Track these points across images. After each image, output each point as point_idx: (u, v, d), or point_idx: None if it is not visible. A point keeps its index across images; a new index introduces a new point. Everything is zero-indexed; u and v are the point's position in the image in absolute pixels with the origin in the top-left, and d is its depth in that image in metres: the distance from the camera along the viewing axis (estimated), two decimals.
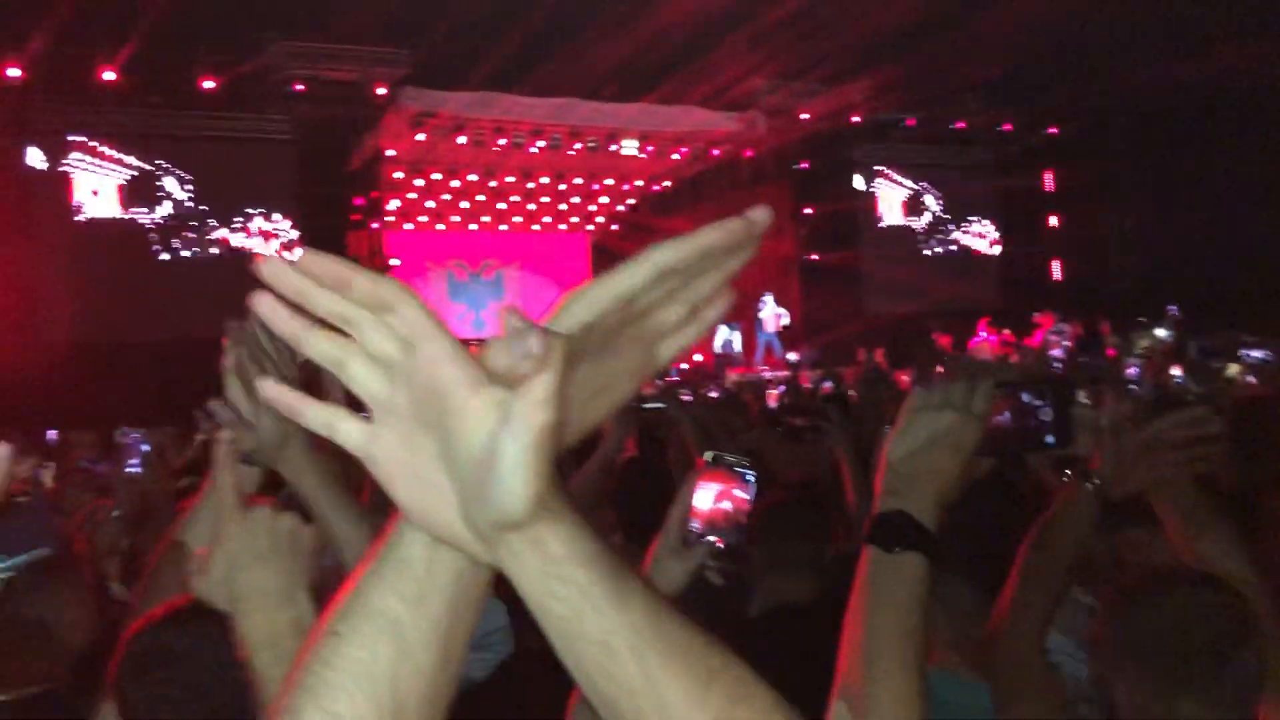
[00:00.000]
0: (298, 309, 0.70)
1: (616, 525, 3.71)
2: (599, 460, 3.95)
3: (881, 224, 20.58)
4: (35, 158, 14.44)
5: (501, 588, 0.76)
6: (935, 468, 1.33)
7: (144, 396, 10.78)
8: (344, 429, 0.72)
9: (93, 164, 14.94)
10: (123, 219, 15.17)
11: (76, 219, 14.86)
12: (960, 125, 20.26)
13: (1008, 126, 20.70)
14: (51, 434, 9.03)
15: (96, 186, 14.98)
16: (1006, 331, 16.88)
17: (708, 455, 1.75)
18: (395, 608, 0.75)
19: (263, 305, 0.69)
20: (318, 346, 0.70)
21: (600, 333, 0.74)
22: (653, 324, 0.79)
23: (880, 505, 1.35)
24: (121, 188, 15.12)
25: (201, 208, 15.61)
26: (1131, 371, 7.64)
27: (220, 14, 13.31)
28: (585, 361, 0.73)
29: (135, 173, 15.17)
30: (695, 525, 1.72)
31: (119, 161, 15.06)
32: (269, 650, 1.19)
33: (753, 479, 1.72)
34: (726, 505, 1.73)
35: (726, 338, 18.15)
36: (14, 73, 13.68)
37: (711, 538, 1.71)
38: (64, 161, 14.71)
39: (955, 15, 14.09)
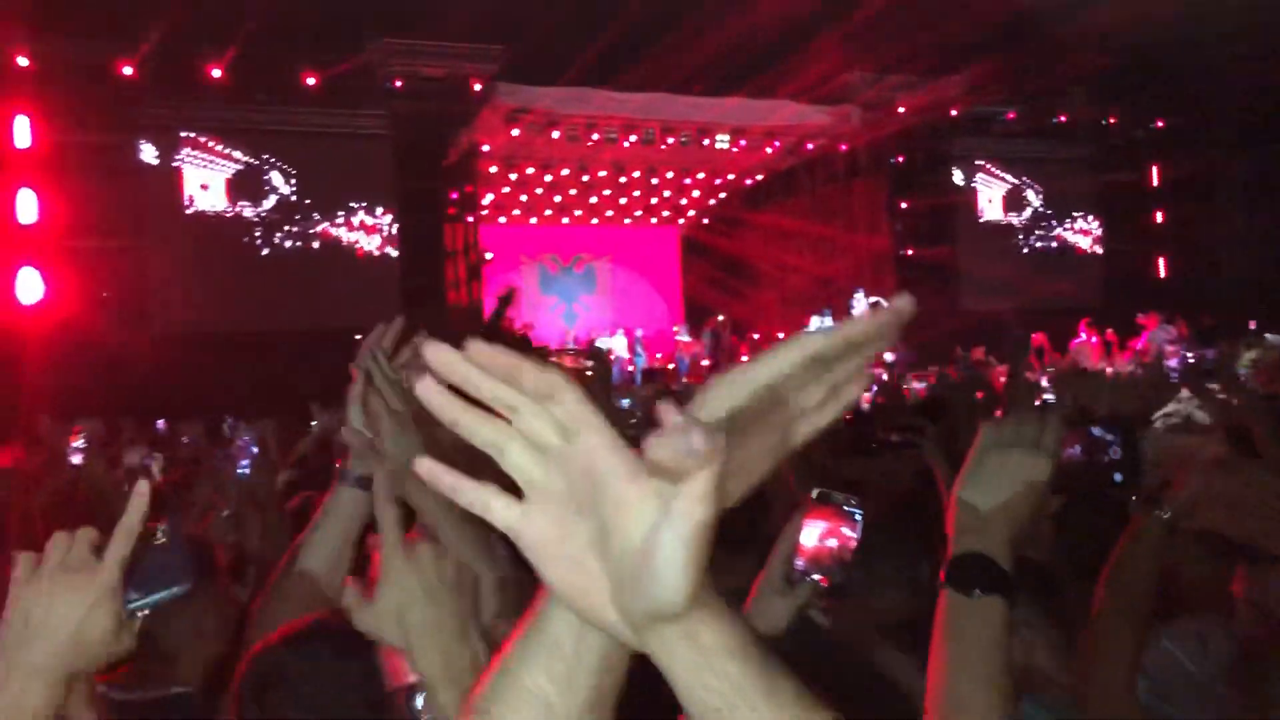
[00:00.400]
0: (457, 391, 0.72)
1: None
2: None
3: (981, 219, 20.17)
4: (148, 153, 14.96)
5: None
6: (1008, 507, 1.30)
7: (248, 386, 11.09)
8: (497, 508, 0.73)
9: (202, 159, 15.42)
10: (229, 212, 15.63)
11: (186, 212, 15.35)
12: (1062, 119, 19.72)
13: (1112, 120, 20.09)
14: (160, 423, 9.28)
15: (206, 181, 15.47)
16: (1109, 332, 16.42)
17: (814, 492, 1.74)
18: (545, 688, 0.77)
19: (426, 391, 0.71)
20: (479, 431, 0.72)
21: (746, 417, 0.76)
22: (792, 406, 0.80)
23: (955, 547, 1.32)
24: (229, 182, 15.58)
25: (305, 201, 16.02)
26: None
27: (322, 13, 13.60)
28: (731, 446, 0.73)
29: (242, 167, 15.61)
30: (800, 563, 1.71)
31: (227, 156, 15.51)
32: (452, 689, 1.21)
33: (860, 517, 1.71)
34: (832, 543, 1.71)
35: None
36: (127, 71, 14.21)
37: (816, 576, 1.71)
38: (175, 157, 15.21)
39: (1056, 7, 13.72)
